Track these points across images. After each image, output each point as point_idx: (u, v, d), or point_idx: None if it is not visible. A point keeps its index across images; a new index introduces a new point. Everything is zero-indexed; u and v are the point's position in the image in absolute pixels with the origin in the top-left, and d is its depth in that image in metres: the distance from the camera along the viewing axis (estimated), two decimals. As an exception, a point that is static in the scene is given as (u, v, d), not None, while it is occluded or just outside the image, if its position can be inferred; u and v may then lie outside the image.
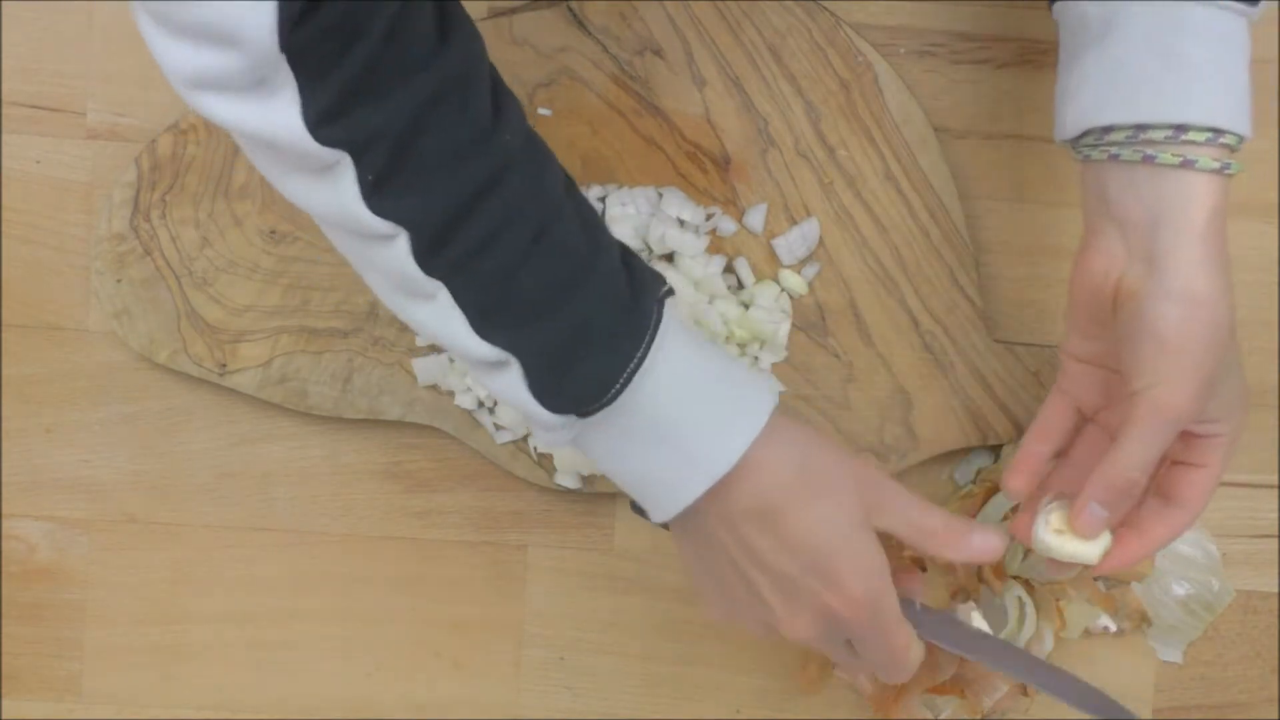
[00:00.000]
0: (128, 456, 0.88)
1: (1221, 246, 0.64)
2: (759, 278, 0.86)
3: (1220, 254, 0.64)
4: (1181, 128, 0.63)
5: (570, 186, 0.66)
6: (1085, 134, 0.66)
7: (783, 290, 0.86)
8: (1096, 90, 0.65)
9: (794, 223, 0.86)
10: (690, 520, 0.68)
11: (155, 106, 0.87)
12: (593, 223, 0.65)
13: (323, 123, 0.58)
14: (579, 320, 0.63)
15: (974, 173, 0.87)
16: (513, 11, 0.85)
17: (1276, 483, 0.88)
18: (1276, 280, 0.87)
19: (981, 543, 0.67)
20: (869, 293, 0.86)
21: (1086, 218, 0.68)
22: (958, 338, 0.86)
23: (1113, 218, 0.66)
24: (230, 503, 0.89)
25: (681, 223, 0.85)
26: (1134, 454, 0.65)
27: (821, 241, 0.86)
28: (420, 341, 0.86)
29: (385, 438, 0.88)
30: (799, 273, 0.86)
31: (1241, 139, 0.64)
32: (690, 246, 0.84)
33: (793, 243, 0.85)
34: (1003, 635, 0.84)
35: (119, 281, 0.86)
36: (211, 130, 0.85)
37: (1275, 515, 0.88)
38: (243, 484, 0.89)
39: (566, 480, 0.86)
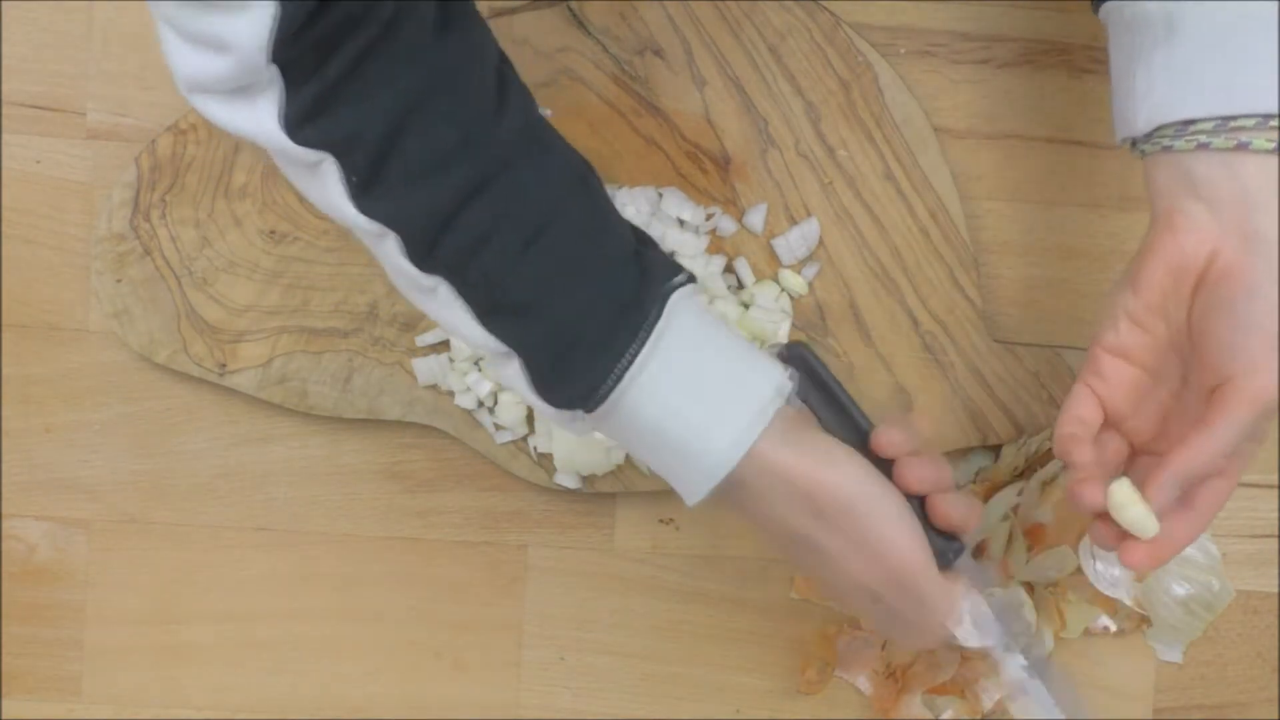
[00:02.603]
0: (128, 456, 0.88)
1: None
2: (759, 278, 0.86)
3: None
4: (1268, 116, 0.64)
5: (584, 178, 0.65)
6: (1160, 127, 0.66)
7: (783, 290, 0.86)
8: (1170, 89, 0.66)
9: (794, 223, 0.86)
10: (720, 502, 0.67)
11: (155, 106, 0.87)
12: (600, 219, 0.65)
13: (301, 124, 0.59)
14: (571, 320, 0.63)
15: (974, 173, 0.87)
16: (513, 11, 0.85)
17: (1276, 483, 0.88)
18: (1276, 280, 0.87)
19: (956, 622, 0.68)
20: (869, 293, 0.86)
21: (1163, 202, 0.67)
22: (958, 338, 0.86)
23: (1200, 198, 0.65)
24: (230, 503, 0.89)
25: (681, 223, 0.85)
26: (1226, 439, 0.64)
27: (821, 241, 0.86)
28: (421, 341, 0.86)
29: (385, 438, 0.88)
30: (799, 273, 0.86)
31: None
32: (690, 246, 0.84)
33: (793, 243, 0.85)
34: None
35: (119, 281, 0.86)
36: (211, 130, 0.85)
37: (1275, 515, 0.88)
38: (243, 484, 0.88)
39: (566, 480, 0.86)
